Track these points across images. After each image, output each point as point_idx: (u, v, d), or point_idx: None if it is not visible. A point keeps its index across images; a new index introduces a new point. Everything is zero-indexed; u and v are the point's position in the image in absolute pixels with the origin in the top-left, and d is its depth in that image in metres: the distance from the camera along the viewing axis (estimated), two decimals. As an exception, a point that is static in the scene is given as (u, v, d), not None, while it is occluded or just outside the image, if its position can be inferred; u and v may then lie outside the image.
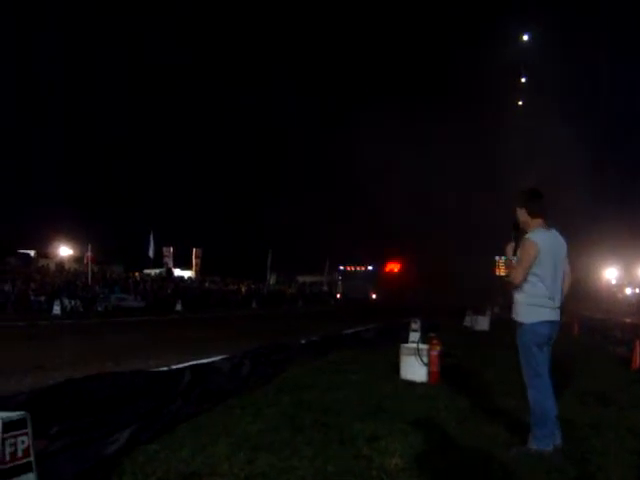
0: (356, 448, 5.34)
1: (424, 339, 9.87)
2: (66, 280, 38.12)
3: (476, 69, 65.13)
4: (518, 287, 5.52)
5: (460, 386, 8.71)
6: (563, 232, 5.68)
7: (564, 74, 55.62)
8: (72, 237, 52.78)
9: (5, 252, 45.17)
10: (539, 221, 5.59)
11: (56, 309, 28.71)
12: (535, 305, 5.41)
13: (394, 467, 4.83)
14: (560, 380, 5.60)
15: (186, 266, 65.81)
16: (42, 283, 35.04)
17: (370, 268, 69.43)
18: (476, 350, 14.01)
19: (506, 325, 7.94)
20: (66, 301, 31.62)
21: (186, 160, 76.48)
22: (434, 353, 9.23)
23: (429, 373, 9.21)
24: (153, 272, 54.57)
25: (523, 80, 60.41)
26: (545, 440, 5.31)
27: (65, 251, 53.47)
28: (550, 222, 5.66)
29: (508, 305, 6.39)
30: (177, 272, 61.61)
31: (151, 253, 49.81)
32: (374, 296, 64.93)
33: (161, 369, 8.90)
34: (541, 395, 5.39)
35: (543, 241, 5.41)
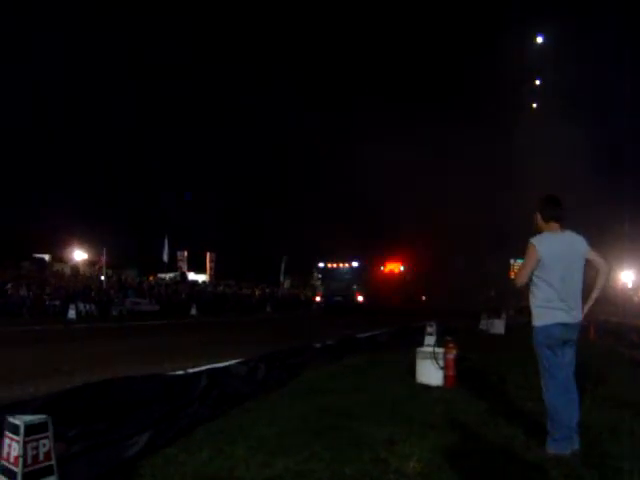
0: (373, 452, 5.33)
1: (440, 342, 9.85)
2: (81, 284, 38.28)
3: (489, 71, 64.90)
4: (529, 291, 5.61)
5: (477, 389, 8.69)
6: (580, 232, 5.70)
7: (579, 75, 55.40)
8: (87, 241, 52.97)
9: (20, 257, 45.39)
10: (553, 225, 5.62)
11: (71, 313, 28.80)
12: (545, 308, 5.48)
13: (411, 470, 4.83)
14: (576, 384, 5.58)
15: (200, 270, 66.05)
16: (57, 287, 35.15)
17: (355, 264, 48.95)
18: (492, 353, 13.97)
19: (522, 328, 7.92)
20: (81, 305, 31.71)
21: (201, 164, 76.67)
22: (450, 356, 9.21)
23: (445, 377, 9.19)
24: (167, 276, 54.73)
25: (537, 82, 60.35)
26: (563, 443, 5.31)
27: (80, 255, 53.67)
28: (565, 225, 5.69)
29: (520, 308, 6.42)
30: (191, 276, 61.85)
31: (165, 257, 49.97)
32: (360, 299, 47.06)
33: (177, 373, 8.92)
34: (557, 398, 5.40)
35: (547, 245, 5.47)
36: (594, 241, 5.78)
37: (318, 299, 48.34)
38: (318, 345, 13.68)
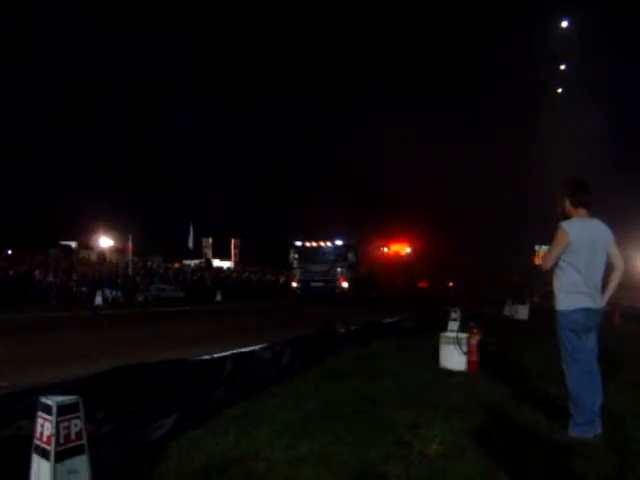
0: (397, 435, 5.39)
1: (463, 328, 9.88)
2: (107, 271, 38.67)
3: (512, 56, 64.24)
4: (554, 275, 5.62)
5: (500, 374, 8.71)
6: (606, 221, 5.71)
7: (605, 60, 54.74)
8: (113, 228, 53.43)
9: (48, 244, 45.94)
10: (582, 211, 5.63)
11: (98, 300, 29.15)
12: (569, 292, 5.49)
13: (434, 453, 4.89)
14: (599, 369, 5.60)
15: (225, 257, 66.31)
16: (84, 274, 35.55)
17: (339, 243, 38.93)
18: (515, 339, 13.97)
19: (546, 314, 7.92)
20: (107, 292, 32.11)
21: (225, 151, 76.81)
22: (473, 342, 9.24)
23: (468, 362, 9.22)
24: (192, 263, 55.10)
25: (562, 67, 59.65)
26: (585, 427, 5.34)
27: (106, 242, 54.13)
28: (593, 212, 5.70)
29: (545, 294, 6.43)
30: (216, 262, 62.17)
31: (190, 244, 50.30)
32: (345, 285, 37.84)
33: (203, 358, 9.03)
34: (579, 382, 5.43)
35: (577, 230, 5.46)
36: (617, 227, 5.79)
37: (294, 285, 38.86)
38: (343, 330, 13.74)
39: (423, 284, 61.75)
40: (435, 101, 64.75)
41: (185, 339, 13.76)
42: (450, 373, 8.97)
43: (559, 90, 61.55)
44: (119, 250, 52.15)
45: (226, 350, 10.35)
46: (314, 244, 38.08)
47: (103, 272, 37.90)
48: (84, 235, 55.48)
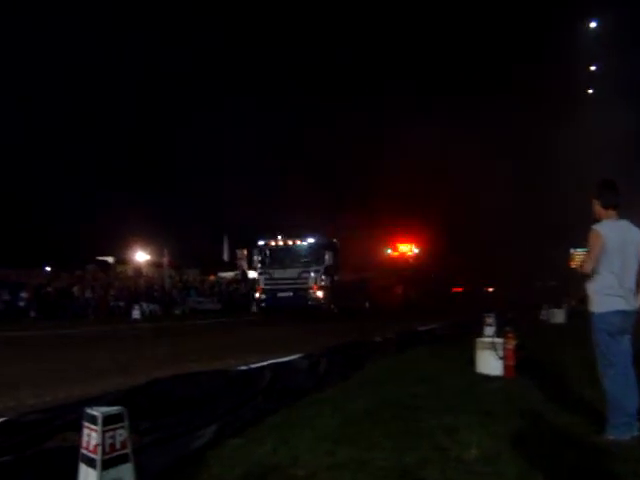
0: (434, 440, 5.44)
1: (499, 333, 9.88)
2: (144, 285, 39.10)
3: (543, 57, 63.68)
4: (589, 278, 5.62)
5: (536, 379, 8.70)
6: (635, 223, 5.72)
7: (636, 61, 54.10)
8: (149, 243, 53.89)
9: (85, 260, 46.54)
10: (611, 213, 5.65)
11: (135, 313, 29.47)
12: (605, 294, 5.49)
13: (472, 457, 4.93)
14: (635, 371, 5.60)
15: (260, 268, 66.29)
16: (121, 288, 35.99)
17: (312, 241, 31.11)
18: (552, 343, 13.89)
19: (583, 317, 7.90)
20: (145, 305, 32.44)
21: (260, 167, 76.95)
22: (509, 347, 9.24)
23: (505, 367, 9.23)
24: (228, 275, 55.39)
25: (593, 68, 59.09)
26: (622, 429, 5.35)
27: (142, 257, 54.63)
28: (622, 213, 5.71)
29: (582, 298, 6.42)
30: (251, 274, 62.38)
31: (225, 256, 50.57)
32: (320, 294, 30.11)
33: (241, 368, 9.14)
34: (615, 384, 5.44)
35: (609, 231, 5.47)
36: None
37: (257, 296, 31.37)
38: (379, 338, 13.80)
39: (458, 289, 60.24)
40: (466, 100, 64.17)
41: (223, 350, 13.92)
42: (486, 378, 8.98)
43: (590, 91, 60.98)
44: (155, 264, 52.60)
45: (262, 360, 10.47)
46: (281, 243, 30.82)
47: (140, 286, 38.32)
48: (120, 250, 56.05)
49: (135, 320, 28.18)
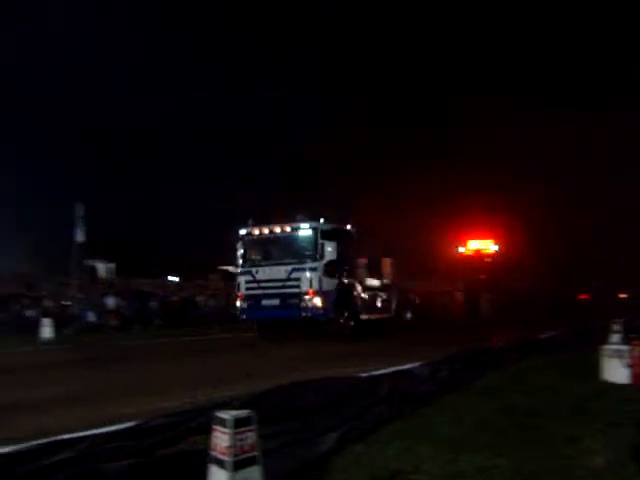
0: (556, 448, 5.36)
1: (625, 340, 9.59)
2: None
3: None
4: None
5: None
6: None
7: None
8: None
9: (208, 270, 47.92)
10: None
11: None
12: None
13: (596, 466, 4.83)
14: None
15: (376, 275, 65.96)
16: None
17: (304, 226, 20.30)
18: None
19: None
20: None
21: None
22: (637, 354, 8.95)
23: (632, 375, 8.94)
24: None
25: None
26: None
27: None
28: None
29: None
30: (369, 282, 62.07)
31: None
32: (318, 303, 19.44)
33: (362, 375, 9.22)
34: None
35: None
36: None
37: (238, 304, 21.69)
38: (500, 346, 13.62)
39: (584, 296, 56.42)
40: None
41: (341, 357, 14.08)
42: (612, 386, 8.72)
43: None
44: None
45: (381, 368, 10.53)
46: (266, 231, 21.26)
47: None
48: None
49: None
